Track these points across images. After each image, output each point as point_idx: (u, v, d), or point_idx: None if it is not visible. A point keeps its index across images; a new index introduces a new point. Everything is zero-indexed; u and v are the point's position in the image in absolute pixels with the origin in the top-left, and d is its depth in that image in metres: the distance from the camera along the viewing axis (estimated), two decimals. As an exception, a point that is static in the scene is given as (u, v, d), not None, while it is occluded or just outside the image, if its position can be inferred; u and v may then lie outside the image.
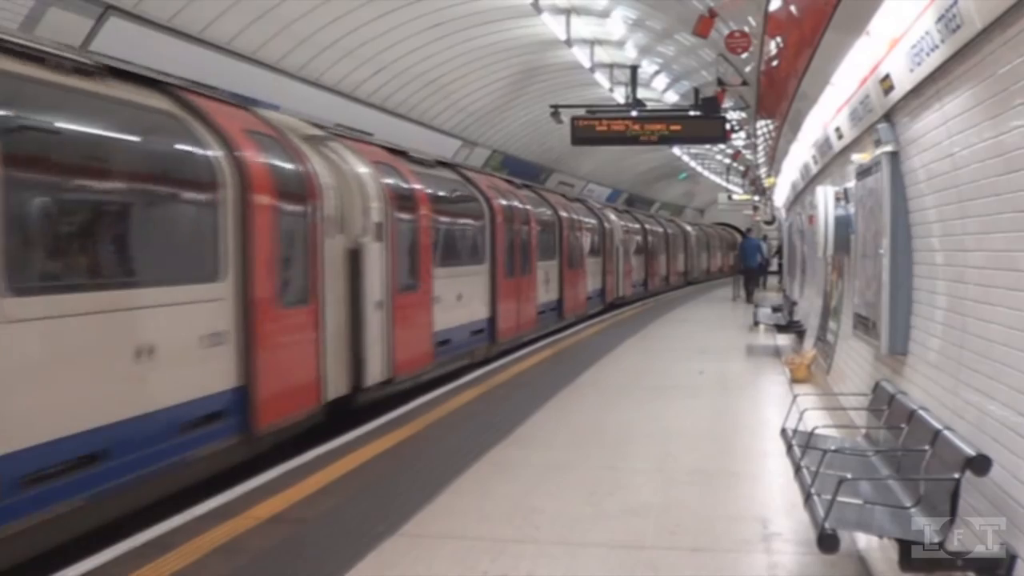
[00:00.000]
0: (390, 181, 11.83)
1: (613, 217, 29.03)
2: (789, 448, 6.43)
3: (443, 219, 14.09)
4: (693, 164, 49.40)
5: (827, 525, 4.69)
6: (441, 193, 14.40)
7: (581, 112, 20.88)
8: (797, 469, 5.89)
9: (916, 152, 7.14)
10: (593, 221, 26.08)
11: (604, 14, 22.61)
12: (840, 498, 4.83)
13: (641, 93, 23.68)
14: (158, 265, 7.42)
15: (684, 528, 6.35)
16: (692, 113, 20.90)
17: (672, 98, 30.84)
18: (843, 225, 10.43)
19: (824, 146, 12.29)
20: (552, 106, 23.37)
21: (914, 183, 7.28)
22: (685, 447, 8.95)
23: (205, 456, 7.70)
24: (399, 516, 6.51)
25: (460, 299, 14.42)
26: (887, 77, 7.32)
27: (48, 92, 6.60)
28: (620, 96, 25.56)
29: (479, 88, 25.43)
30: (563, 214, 22.24)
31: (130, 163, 7.38)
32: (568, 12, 21.81)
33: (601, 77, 26.02)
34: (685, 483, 7.61)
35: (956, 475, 4.65)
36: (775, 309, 19.55)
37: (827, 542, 4.67)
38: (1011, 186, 4.97)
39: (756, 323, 18.91)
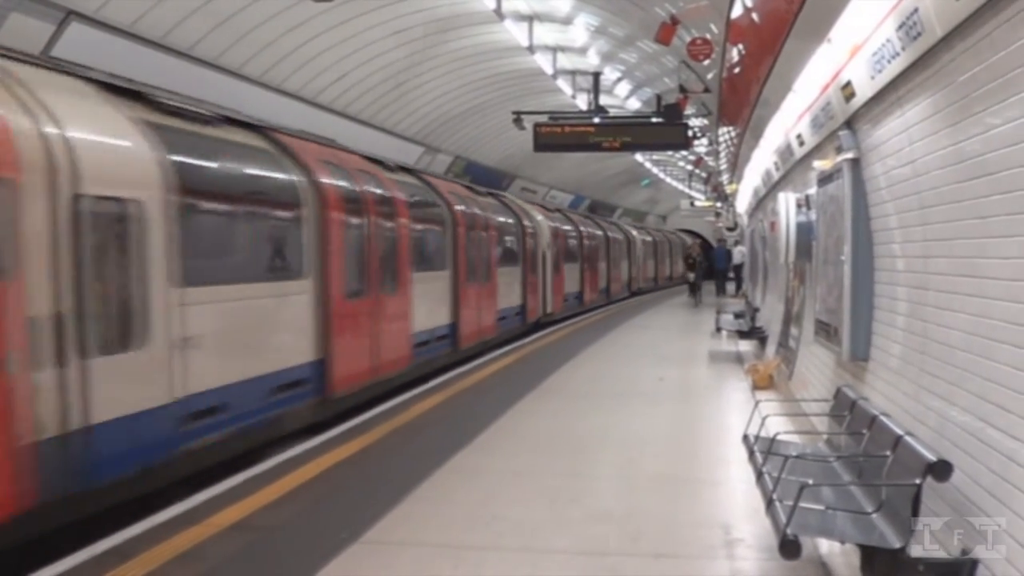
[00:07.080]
0: (551, 224, 25.73)
1: (635, 233, 42.21)
2: (751, 454, 6.44)
3: (566, 242, 27.96)
4: (656, 171, 49.61)
5: (789, 531, 4.69)
6: (566, 228, 28.47)
7: (544, 118, 20.90)
8: (759, 475, 5.90)
9: (877, 159, 7.19)
10: (622, 236, 39.03)
11: (566, 21, 22.60)
12: (802, 504, 4.83)
13: (604, 100, 23.75)
14: (505, 258, 20.28)
15: (647, 534, 6.35)
16: (654, 120, 21.02)
17: (635, 105, 30.95)
18: (805, 231, 10.47)
19: (786, 152, 12.36)
20: (514, 112, 23.39)
21: (875, 190, 7.34)
22: (648, 453, 8.97)
23: (518, 326, 21.36)
24: (361, 523, 6.46)
25: (572, 277, 28.49)
26: (848, 84, 7.37)
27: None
28: (583, 103, 25.61)
29: (441, 95, 25.33)
30: (610, 234, 35.71)
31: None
32: (531, 19, 21.80)
33: (564, 84, 26.05)
34: (648, 489, 7.63)
35: (917, 480, 4.67)
36: (737, 315, 19.65)
37: (789, 548, 4.67)
38: (971, 193, 5.01)
39: (718, 329, 19.01)
